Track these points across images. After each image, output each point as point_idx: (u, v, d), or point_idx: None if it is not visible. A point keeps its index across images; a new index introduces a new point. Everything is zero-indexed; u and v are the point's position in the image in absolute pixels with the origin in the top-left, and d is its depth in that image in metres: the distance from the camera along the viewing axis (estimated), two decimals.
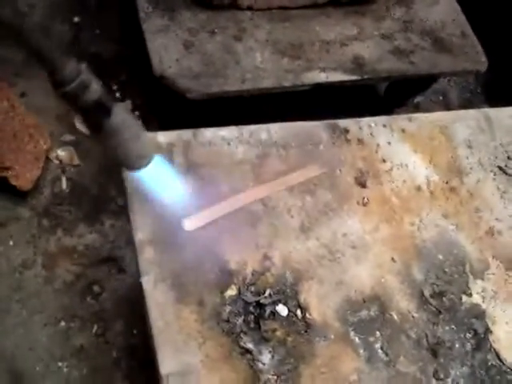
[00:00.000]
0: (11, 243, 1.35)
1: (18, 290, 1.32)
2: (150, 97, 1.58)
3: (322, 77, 1.24)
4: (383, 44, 1.34)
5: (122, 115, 0.76)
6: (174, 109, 1.24)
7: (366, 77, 1.28)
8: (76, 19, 1.68)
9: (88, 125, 0.77)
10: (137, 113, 1.54)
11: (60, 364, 1.26)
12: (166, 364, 0.81)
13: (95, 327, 1.31)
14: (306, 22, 1.30)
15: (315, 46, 1.28)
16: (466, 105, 1.94)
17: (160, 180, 0.87)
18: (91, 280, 1.36)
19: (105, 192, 1.48)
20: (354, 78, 1.27)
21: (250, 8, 1.26)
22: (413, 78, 1.34)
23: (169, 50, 1.17)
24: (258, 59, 1.21)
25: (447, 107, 1.90)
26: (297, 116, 1.06)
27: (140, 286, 0.87)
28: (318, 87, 1.24)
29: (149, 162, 0.81)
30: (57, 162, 1.46)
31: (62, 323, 1.30)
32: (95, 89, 0.72)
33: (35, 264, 1.35)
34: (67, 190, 1.45)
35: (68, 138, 1.50)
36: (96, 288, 1.35)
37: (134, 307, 1.34)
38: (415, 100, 1.85)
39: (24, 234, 1.37)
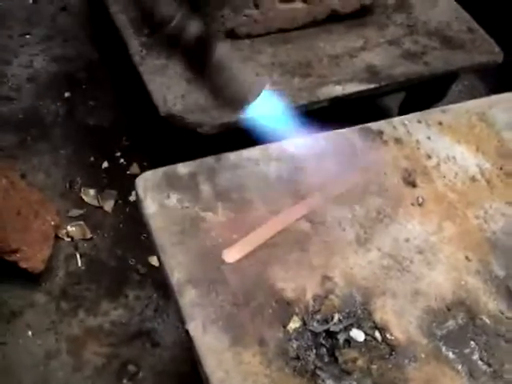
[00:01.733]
0: (30, 334, 1.22)
1: None
2: (157, 159, 1.49)
3: (337, 90, 1.15)
4: (392, 50, 1.27)
5: (224, 50, 0.71)
6: (182, 152, 1.15)
7: (383, 83, 1.19)
8: (67, 94, 1.61)
9: (190, 66, 0.71)
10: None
11: None
12: None
13: None
14: (309, 40, 1.23)
15: (323, 61, 1.20)
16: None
17: None
18: (124, 360, 1.21)
19: (123, 262, 1.35)
20: (371, 86, 1.18)
21: (248, 36, 1.19)
22: (430, 78, 1.26)
23: (171, 88, 1.08)
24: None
25: (472, 95, 1.80)
26: None
27: (187, 335, 0.73)
28: (336, 102, 1.15)
29: (258, 97, 0.80)
30: (68, 239, 1.35)
31: None
32: (194, 27, 0.67)
33: (59, 352, 1.20)
34: (83, 266, 1.32)
35: (76, 212, 1.40)
36: (131, 367, 1.20)
37: (178, 381, 1.19)
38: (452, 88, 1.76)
39: (43, 321, 1.24)
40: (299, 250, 0.81)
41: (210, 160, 0.89)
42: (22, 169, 1.44)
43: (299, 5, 1.21)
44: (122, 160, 1.50)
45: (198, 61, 0.69)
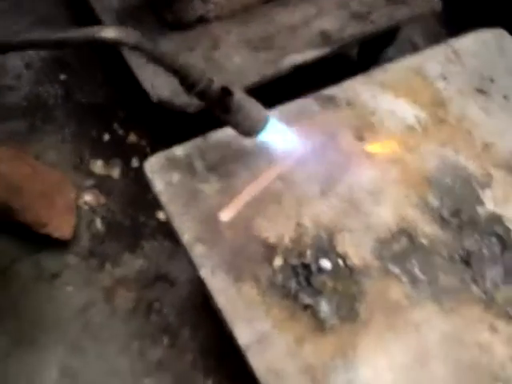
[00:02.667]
0: (69, 289, 1.48)
1: (87, 328, 1.44)
2: (150, 126, 1.71)
3: (297, 58, 1.35)
4: (342, 14, 1.45)
5: (240, 93, 0.93)
6: (174, 127, 1.36)
7: (335, 46, 1.39)
8: (62, 77, 1.80)
9: (217, 110, 0.95)
10: (143, 141, 1.67)
11: (146, 381, 1.38)
12: (244, 337, 0.92)
13: (165, 339, 1.42)
14: (269, 15, 1.41)
15: (282, 33, 1.39)
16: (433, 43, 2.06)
17: None
18: (149, 300, 1.47)
19: (136, 220, 1.60)
20: (325, 50, 1.38)
21: (217, 18, 1.38)
22: (376, 35, 1.46)
23: (158, 76, 1.28)
24: (237, 61, 1.33)
25: (415, 49, 2.01)
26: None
27: (199, 280, 0.98)
28: (297, 69, 1.36)
29: (266, 125, 1.01)
30: (86, 206, 1.58)
31: (136, 345, 1.42)
32: (217, 82, 0.90)
33: (96, 301, 1.47)
34: (103, 228, 1.57)
35: (89, 182, 1.62)
36: (156, 305, 1.47)
37: (195, 312, 1.46)
38: (387, 55, 1.98)
39: (78, 278, 1.49)
40: (276, 204, 1.05)
41: (198, 140, 1.11)
42: (35, 150, 1.65)
43: None
44: (120, 131, 1.72)
45: (221, 107, 0.93)
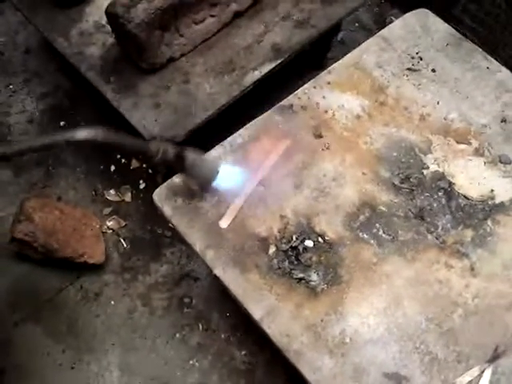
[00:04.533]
0: (113, 303, 1.76)
1: (135, 330, 1.72)
2: None
3: (256, 74, 1.59)
4: (287, 25, 1.66)
5: (192, 156, 1.20)
6: None
7: (286, 56, 1.63)
8: (62, 123, 2.06)
9: (174, 172, 1.24)
10: (145, 165, 1.94)
11: (191, 362, 1.67)
12: (256, 313, 1.20)
13: (200, 325, 1.71)
14: (225, 41, 1.64)
15: (240, 54, 1.63)
16: (378, 18, 2.30)
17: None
18: (180, 296, 1.76)
19: (154, 233, 1.87)
20: (278, 61, 1.61)
21: (182, 55, 1.63)
22: (320, 37, 1.69)
23: (146, 116, 1.53)
24: (207, 88, 1.57)
25: (364, 28, 2.25)
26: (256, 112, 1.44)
27: (215, 277, 1.26)
28: (258, 83, 1.60)
29: (216, 176, 1.27)
30: (110, 231, 1.86)
31: (177, 335, 1.71)
32: (171, 150, 1.15)
33: (137, 307, 1.75)
34: (128, 246, 1.84)
35: (107, 210, 1.89)
36: (186, 300, 1.75)
37: (219, 298, 1.74)
38: (338, 38, 2.22)
39: (117, 292, 1.77)
40: (262, 204, 1.32)
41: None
42: (56, 193, 1.92)
43: (210, 20, 1.62)
44: (123, 160, 1.98)
45: (178, 169, 1.19)
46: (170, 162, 1.15)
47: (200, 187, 1.28)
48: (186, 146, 1.20)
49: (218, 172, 1.26)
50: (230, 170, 1.29)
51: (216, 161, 1.29)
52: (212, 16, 1.62)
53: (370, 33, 1.58)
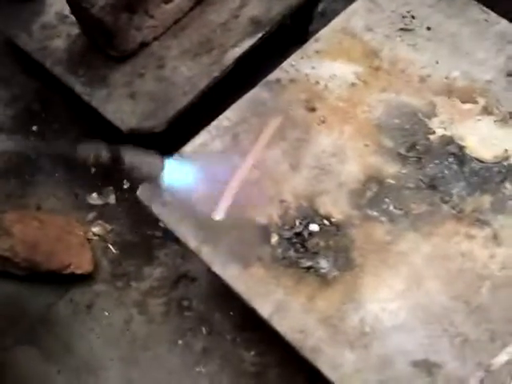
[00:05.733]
0: (107, 314, 1.63)
1: (134, 341, 1.60)
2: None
3: (237, 51, 1.47)
4: None
5: (130, 154, 1.07)
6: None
7: (267, 29, 1.51)
8: (34, 128, 1.92)
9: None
10: None
11: (198, 369, 1.55)
12: (264, 310, 1.08)
13: (203, 328, 1.59)
14: (200, 19, 1.52)
15: (217, 32, 1.51)
16: None
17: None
18: (178, 299, 1.63)
19: (144, 235, 1.74)
20: (259, 35, 1.50)
21: (154, 38, 1.50)
22: (300, 6, 1.57)
23: (122, 108, 1.41)
24: (185, 71, 1.45)
25: None
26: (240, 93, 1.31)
27: (215, 275, 1.14)
28: (240, 61, 1.48)
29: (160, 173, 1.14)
30: (96, 237, 1.73)
31: (180, 342, 1.58)
32: (105, 153, 1.00)
33: (133, 316, 1.62)
34: (117, 251, 1.71)
35: (91, 215, 1.76)
36: (185, 302, 1.62)
37: (220, 297, 1.62)
38: (319, 9, 2.09)
39: (110, 301, 1.64)
40: (258, 190, 1.20)
41: (175, 158, 1.24)
42: (34, 203, 1.79)
43: None
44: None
45: (117, 170, 1.07)
46: (106, 166, 1.02)
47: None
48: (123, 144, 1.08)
49: (162, 169, 1.13)
50: (179, 164, 1.16)
51: (159, 157, 1.15)
52: None
53: (351, 3, 1.45)
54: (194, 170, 1.16)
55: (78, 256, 1.61)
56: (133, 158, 1.06)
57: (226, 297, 1.58)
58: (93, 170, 1.83)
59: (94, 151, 0.99)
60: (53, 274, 1.61)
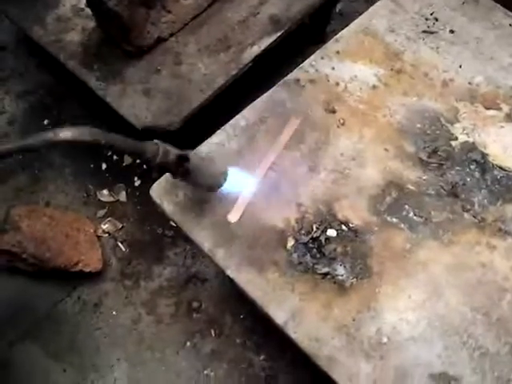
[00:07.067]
0: (115, 313, 1.61)
1: (141, 342, 1.58)
2: None
3: (255, 50, 1.44)
4: None
5: (197, 158, 1.01)
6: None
7: (286, 27, 1.48)
8: (46, 122, 1.90)
9: (175, 176, 1.02)
10: (138, 160, 1.77)
11: (206, 372, 1.52)
12: (279, 317, 1.05)
13: (212, 331, 1.56)
14: (218, 16, 1.49)
15: (236, 29, 1.48)
16: None
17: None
18: (188, 300, 1.61)
19: (154, 234, 1.72)
20: (278, 34, 1.46)
21: (171, 34, 1.47)
22: (320, 4, 1.54)
23: (136, 104, 1.38)
24: (202, 69, 1.42)
25: None
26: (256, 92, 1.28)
27: (229, 279, 1.10)
28: (258, 59, 1.45)
29: (225, 179, 1.08)
30: (106, 235, 1.70)
31: (188, 343, 1.56)
32: (172, 152, 0.96)
33: (141, 316, 1.60)
34: (127, 250, 1.69)
35: (101, 212, 1.74)
36: (195, 304, 1.60)
37: (231, 300, 1.59)
38: (337, 10, 2.06)
39: (118, 301, 1.62)
40: (275, 193, 1.16)
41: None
42: (44, 198, 1.76)
43: None
44: (114, 157, 1.82)
45: (180, 173, 1.00)
46: (170, 166, 0.97)
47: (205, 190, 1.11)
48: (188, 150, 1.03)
49: (226, 176, 1.08)
50: (240, 173, 1.12)
51: (224, 163, 1.11)
52: None
53: (370, 3, 1.42)
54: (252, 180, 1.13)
55: (87, 253, 1.59)
56: (200, 160, 1.02)
57: (237, 299, 1.56)
58: (104, 166, 1.81)
59: (164, 148, 0.95)
60: (61, 271, 1.58)
